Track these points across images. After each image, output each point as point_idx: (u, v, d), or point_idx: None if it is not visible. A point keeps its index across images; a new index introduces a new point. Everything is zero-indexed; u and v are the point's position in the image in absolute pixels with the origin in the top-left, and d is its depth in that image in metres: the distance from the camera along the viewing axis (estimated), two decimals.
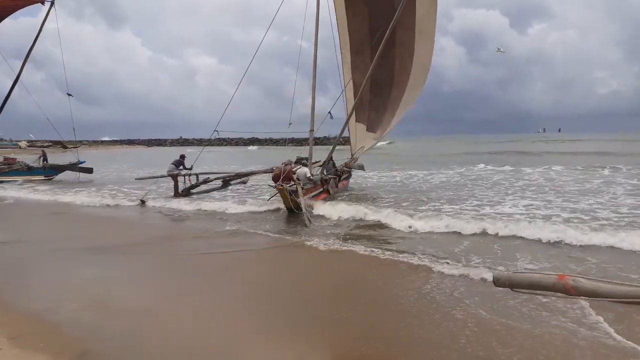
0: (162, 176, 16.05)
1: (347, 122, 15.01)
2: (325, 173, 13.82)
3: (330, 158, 14.79)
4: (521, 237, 8.20)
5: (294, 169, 12.31)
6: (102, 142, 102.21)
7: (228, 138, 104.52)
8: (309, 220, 10.21)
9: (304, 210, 10.67)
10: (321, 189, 13.29)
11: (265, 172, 15.88)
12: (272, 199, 12.93)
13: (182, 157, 16.02)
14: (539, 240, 7.90)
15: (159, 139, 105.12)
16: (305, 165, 13.37)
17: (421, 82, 15.33)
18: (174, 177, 15.46)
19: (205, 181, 16.07)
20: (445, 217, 9.69)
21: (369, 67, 13.74)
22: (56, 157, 25.58)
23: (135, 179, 18.27)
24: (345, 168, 15.96)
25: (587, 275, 2.66)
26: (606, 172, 19.58)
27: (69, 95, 23.02)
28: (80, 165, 23.21)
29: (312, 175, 12.92)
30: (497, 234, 8.42)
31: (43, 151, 24.02)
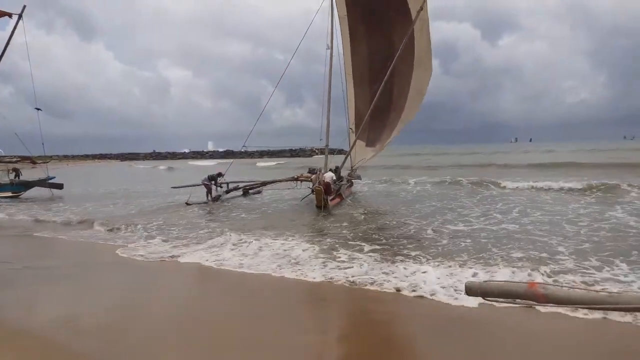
0: (195, 185, 18.37)
1: (353, 144, 17.24)
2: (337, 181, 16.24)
3: (339, 169, 16.99)
4: None
5: (323, 176, 15.06)
6: (74, 156, 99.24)
7: (203, 151, 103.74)
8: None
9: (329, 208, 13.92)
10: (336, 194, 15.55)
11: (287, 180, 18.70)
12: (305, 199, 16.02)
13: (220, 174, 18.36)
14: None
15: (132, 153, 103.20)
16: (312, 172, 16.93)
17: (417, 105, 17.13)
18: (208, 187, 17.79)
19: (232, 189, 18.98)
20: None
21: (369, 95, 16.38)
22: (26, 173, 24.85)
23: (172, 187, 20.07)
24: (348, 177, 18.62)
25: (557, 284, 2.65)
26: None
27: (38, 109, 22.80)
28: (49, 181, 22.79)
29: (335, 180, 15.64)
30: None
31: (15, 168, 23.51)
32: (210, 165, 58.74)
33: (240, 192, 19.39)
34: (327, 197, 14.06)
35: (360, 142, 18.38)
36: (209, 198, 17.56)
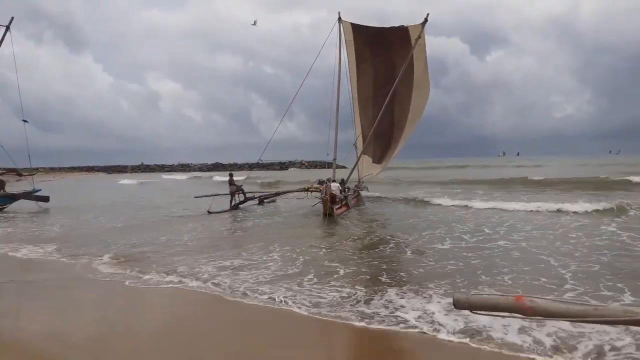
0: (217, 194, 19.57)
1: (358, 158, 19.16)
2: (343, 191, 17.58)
3: (345, 181, 18.30)
4: None
5: (330, 186, 16.08)
6: (60, 168, 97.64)
7: (191, 164, 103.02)
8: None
9: (334, 215, 15.17)
10: (342, 203, 16.81)
11: (299, 190, 19.87)
12: (315, 205, 17.27)
13: (231, 175, 20.36)
14: None
15: (119, 166, 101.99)
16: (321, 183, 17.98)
17: (416, 121, 18.60)
18: (232, 195, 19.34)
19: (249, 199, 20.24)
20: None
21: (373, 113, 18.16)
22: (12, 186, 24.50)
23: (194, 197, 20.50)
24: (356, 189, 19.71)
25: (543, 296, 2.65)
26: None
27: (24, 121, 22.70)
28: (35, 194, 22.32)
29: (341, 190, 16.95)
30: None
31: (1, 180, 22.74)
32: (182, 179, 58.50)
33: (255, 202, 20.65)
34: (333, 206, 15.34)
35: (367, 158, 19.83)
36: (232, 205, 19.15)
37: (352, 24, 18.93)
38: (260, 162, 21.52)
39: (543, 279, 7.12)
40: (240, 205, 19.46)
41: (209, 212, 17.58)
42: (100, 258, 9.85)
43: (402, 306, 5.99)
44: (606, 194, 19.33)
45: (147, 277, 8.11)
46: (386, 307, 5.98)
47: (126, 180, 53.79)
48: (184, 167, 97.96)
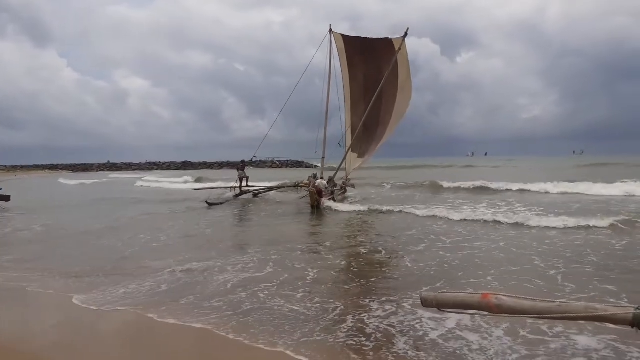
0: (216, 187, 23.36)
1: (345, 156, 21.55)
2: (329, 186, 19.70)
3: (332, 178, 20.38)
4: None
5: (315, 182, 18.24)
6: (22, 167, 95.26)
7: (159, 162, 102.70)
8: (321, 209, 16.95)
9: (321, 206, 17.23)
10: (330, 197, 18.99)
11: (290, 186, 22.92)
12: (303, 198, 19.29)
13: (243, 161, 23.38)
14: None
15: (85, 164, 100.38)
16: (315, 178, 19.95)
17: (398, 120, 21.41)
18: (240, 179, 22.54)
19: (245, 192, 22.53)
20: None
21: (363, 113, 20.52)
22: None
23: (194, 189, 24.68)
24: (343, 185, 21.84)
25: (509, 294, 2.64)
26: None
27: None
28: None
29: (327, 187, 19.05)
30: None
31: None
32: (128, 177, 55.86)
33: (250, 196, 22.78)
34: (319, 198, 17.28)
35: (353, 154, 22.19)
36: (235, 189, 21.91)
37: (343, 35, 21.54)
38: (254, 159, 22.92)
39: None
40: (238, 197, 21.61)
41: (208, 203, 19.47)
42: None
43: None
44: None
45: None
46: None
47: (66, 180, 50.70)
48: (151, 166, 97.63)
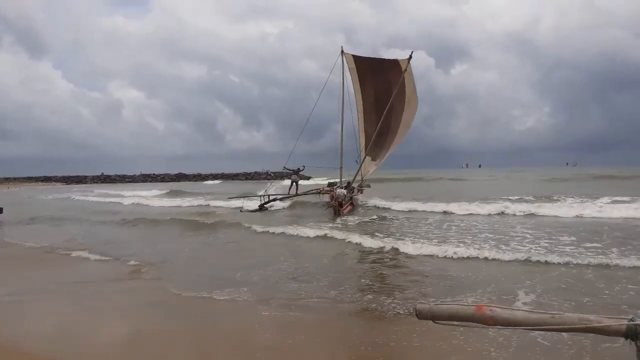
0: (249, 195, 25.73)
1: (362, 161, 24.39)
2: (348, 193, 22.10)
3: (350, 183, 23.18)
4: None
5: (336, 192, 20.50)
6: (15, 179, 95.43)
7: (153, 174, 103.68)
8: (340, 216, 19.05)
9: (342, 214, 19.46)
10: (349, 203, 21.32)
11: (313, 192, 24.67)
12: (328, 208, 20.79)
13: (299, 169, 26.59)
14: None
15: (78, 176, 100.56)
16: (331, 186, 22.91)
17: (407, 129, 24.70)
18: (292, 183, 26.30)
19: (272, 201, 24.53)
20: None
21: (375, 123, 23.64)
22: None
23: (228, 198, 26.25)
24: (359, 187, 24.50)
25: (503, 305, 2.72)
26: None
27: None
28: None
29: (346, 194, 21.20)
30: None
31: None
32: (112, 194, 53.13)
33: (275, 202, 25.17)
34: (340, 209, 19.68)
35: (368, 158, 25.04)
36: (289, 192, 25.27)
37: (354, 55, 24.63)
38: (284, 169, 26.08)
39: None
40: (265, 205, 23.83)
41: (241, 211, 22.50)
42: None
43: None
44: None
45: None
46: None
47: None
48: (145, 178, 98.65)
